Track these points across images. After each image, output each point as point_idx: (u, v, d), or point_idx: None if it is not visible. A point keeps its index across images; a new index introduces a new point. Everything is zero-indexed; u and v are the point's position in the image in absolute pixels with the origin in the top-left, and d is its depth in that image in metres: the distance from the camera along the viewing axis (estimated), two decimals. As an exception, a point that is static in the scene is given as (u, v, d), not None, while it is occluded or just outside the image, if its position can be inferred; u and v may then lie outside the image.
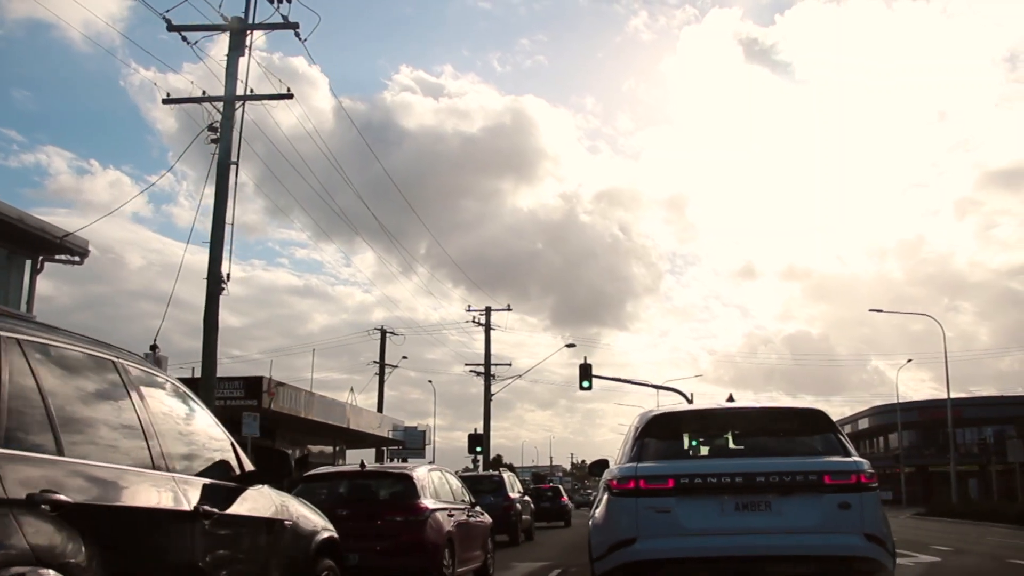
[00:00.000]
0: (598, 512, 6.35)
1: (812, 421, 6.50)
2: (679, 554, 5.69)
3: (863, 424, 74.78)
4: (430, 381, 50.62)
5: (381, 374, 42.51)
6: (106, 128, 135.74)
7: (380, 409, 42.05)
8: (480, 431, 42.93)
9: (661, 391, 35.58)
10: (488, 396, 43.32)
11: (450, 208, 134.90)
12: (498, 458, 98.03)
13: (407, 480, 10.17)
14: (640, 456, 6.18)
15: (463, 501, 11.54)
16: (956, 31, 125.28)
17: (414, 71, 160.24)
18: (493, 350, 42.33)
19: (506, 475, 22.71)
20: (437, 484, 10.74)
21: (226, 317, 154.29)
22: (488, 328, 42.08)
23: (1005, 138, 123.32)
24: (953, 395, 45.04)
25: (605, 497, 6.24)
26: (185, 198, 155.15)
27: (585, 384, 28.49)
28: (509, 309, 42.58)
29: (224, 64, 17.14)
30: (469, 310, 41.98)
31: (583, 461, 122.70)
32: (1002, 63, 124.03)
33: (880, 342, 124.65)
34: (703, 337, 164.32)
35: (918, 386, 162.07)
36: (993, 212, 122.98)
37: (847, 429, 70.16)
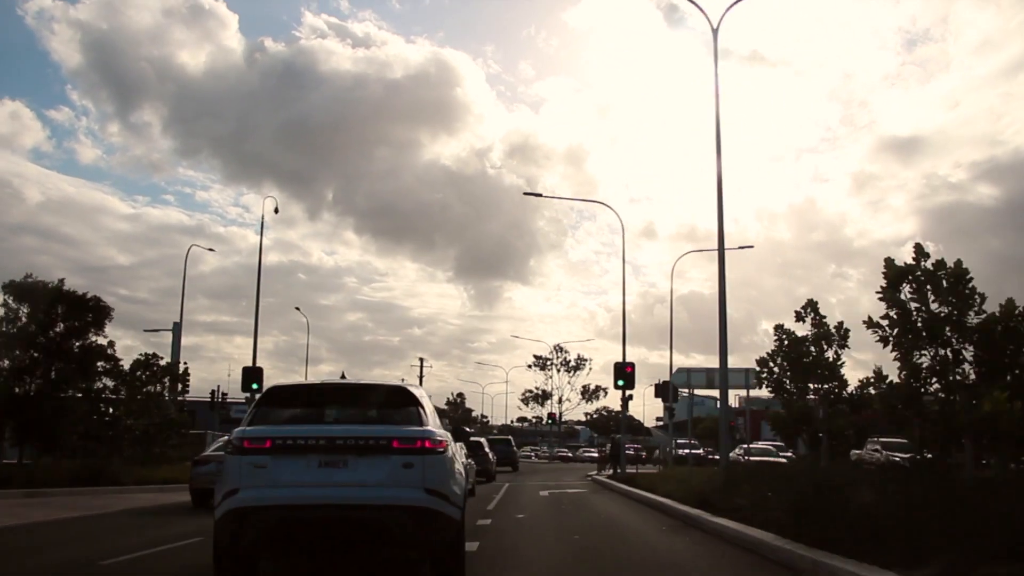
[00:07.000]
0: (223, 468, 7.75)
1: (399, 395, 8.13)
2: (271, 502, 7.08)
3: None
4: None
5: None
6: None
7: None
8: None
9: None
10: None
11: (364, 156, 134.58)
12: None
13: None
14: (252, 421, 7.63)
15: None
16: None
17: (313, 12, 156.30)
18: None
19: None
20: None
21: (114, 255, 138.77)
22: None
23: (899, 111, 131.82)
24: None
25: (224, 455, 7.72)
26: (85, 135, 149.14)
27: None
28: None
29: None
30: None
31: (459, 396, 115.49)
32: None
33: (768, 304, 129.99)
34: (598, 293, 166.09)
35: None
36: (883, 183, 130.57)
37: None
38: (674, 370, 26.23)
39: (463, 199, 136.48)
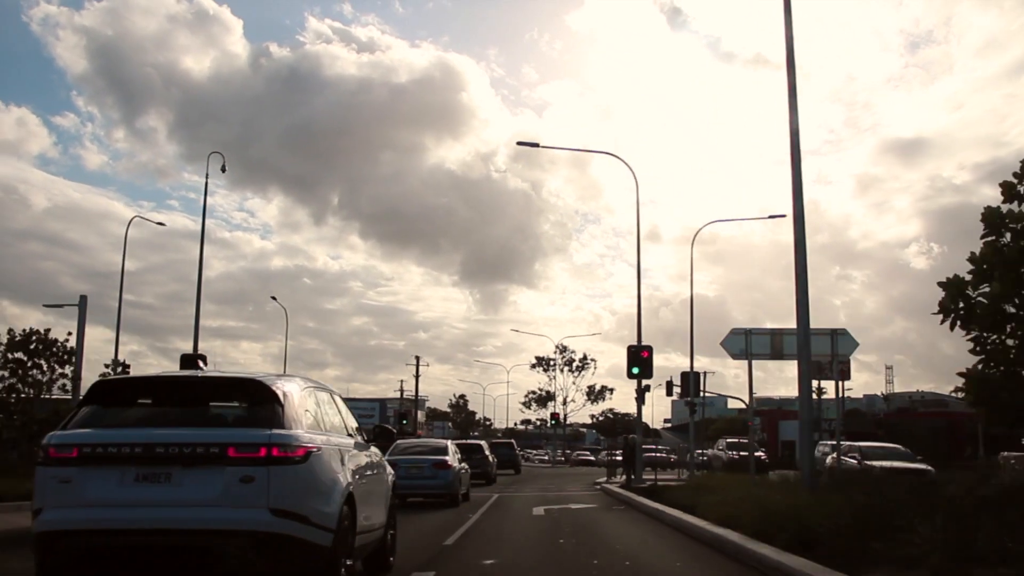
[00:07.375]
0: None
1: (252, 391, 6.70)
2: (76, 525, 6.02)
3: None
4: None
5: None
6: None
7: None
8: None
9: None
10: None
11: (370, 161, 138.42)
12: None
13: None
14: (68, 424, 6.47)
15: None
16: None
17: (317, 16, 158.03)
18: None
19: None
20: None
21: (119, 261, 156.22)
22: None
23: (902, 113, 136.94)
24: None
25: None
26: (91, 140, 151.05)
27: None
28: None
29: None
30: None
31: (460, 398, 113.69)
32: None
33: (772, 307, 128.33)
34: (602, 296, 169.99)
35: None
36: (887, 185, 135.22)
37: None
38: (730, 331, 19.66)
39: (468, 203, 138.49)
